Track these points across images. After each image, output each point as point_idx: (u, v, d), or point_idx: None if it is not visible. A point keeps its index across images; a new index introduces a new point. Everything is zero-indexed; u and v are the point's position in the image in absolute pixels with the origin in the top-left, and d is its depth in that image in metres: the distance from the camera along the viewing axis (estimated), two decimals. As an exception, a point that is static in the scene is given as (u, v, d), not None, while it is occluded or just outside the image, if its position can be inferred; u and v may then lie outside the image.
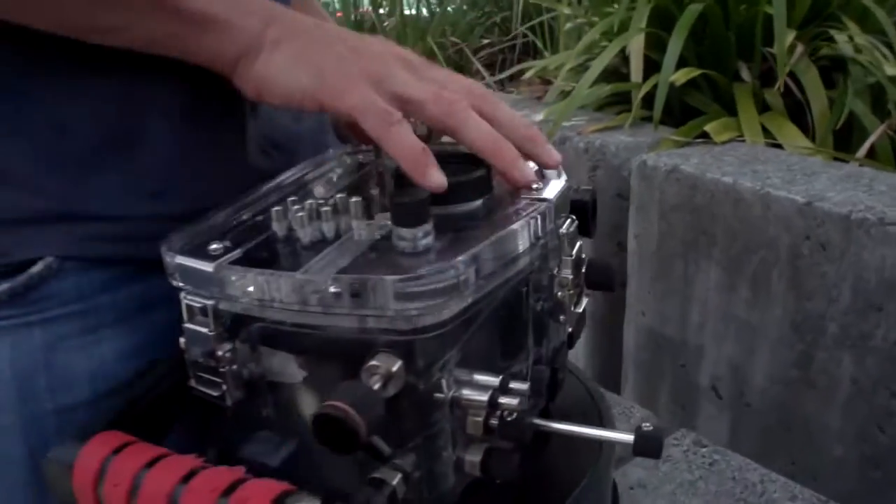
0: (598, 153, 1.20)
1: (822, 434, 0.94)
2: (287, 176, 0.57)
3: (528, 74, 1.72)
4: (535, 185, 0.48)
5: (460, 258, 0.41)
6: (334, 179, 0.57)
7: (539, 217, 0.46)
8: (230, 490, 0.39)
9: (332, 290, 0.41)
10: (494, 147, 0.47)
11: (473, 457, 0.44)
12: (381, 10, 3.01)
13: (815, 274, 0.90)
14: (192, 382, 0.48)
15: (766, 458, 1.01)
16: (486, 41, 2.79)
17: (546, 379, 0.53)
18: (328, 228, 0.47)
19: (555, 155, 0.50)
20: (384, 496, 0.40)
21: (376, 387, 0.39)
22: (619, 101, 1.50)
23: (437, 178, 0.44)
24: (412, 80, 0.47)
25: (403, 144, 0.45)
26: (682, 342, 1.10)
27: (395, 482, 0.41)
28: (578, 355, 1.32)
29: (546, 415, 0.58)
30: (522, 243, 0.45)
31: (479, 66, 2.55)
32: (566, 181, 0.51)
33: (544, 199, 0.47)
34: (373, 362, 0.40)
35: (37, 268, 0.49)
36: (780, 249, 0.93)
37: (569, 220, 0.50)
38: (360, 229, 0.47)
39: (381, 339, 0.41)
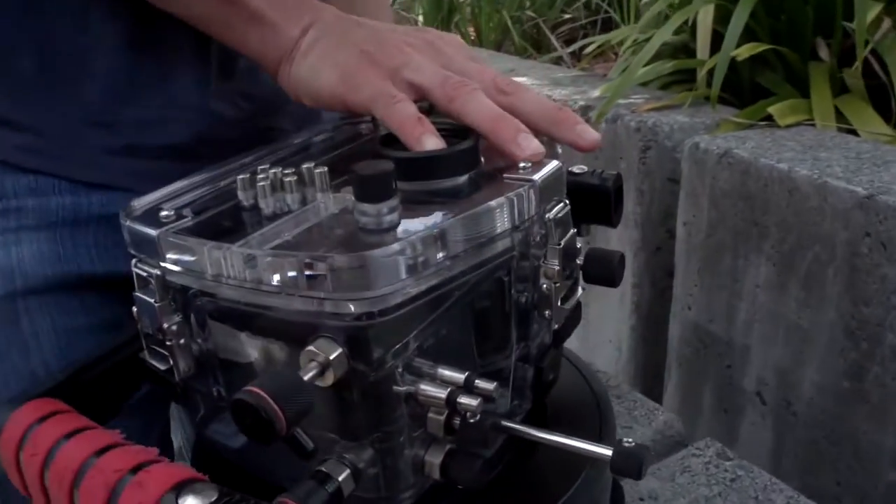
0: (651, 133, 1.11)
1: (873, 454, 0.85)
2: (281, 144, 0.54)
3: (589, 49, 1.63)
4: (522, 165, 0.45)
5: (417, 236, 0.37)
6: (328, 148, 0.54)
7: (519, 197, 0.42)
8: (135, 470, 0.37)
9: (266, 266, 0.38)
10: (493, 123, 0.45)
11: (434, 458, 0.41)
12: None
13: (875, 276, 0.81)
14: (146, 355, 0.46)
15: (811, 475, 0.92)
16: (566, 16, 2.69)
17: (529, 378, 0.48)
18: (292, 200, 0.44)
19: (588, 135, 0.47)
20: (326, 493, 0.36)
21: (310, 375, 0.35)
22: (687, 80, 1.40)
23: (431, 144, 0.44)
24: (426, 65, 0.46)
25: (400, 116, 0.45)
26: (728, 341, 1.01)
27: (341, 478, 0.38)
28: (622, 347, 1.24)
29: (540, 415, 0.53)
30: (500, 224, 0.41)
31: (554, 41, 2.46)
32: (561, 164, 0.46)
33: (528, 180, 0.43)
34: (310, 347, 0.36)
35: None
36: (836, 246, 0.84)
37: (560, 205, 0.46)
38: (325, 202, 0.44)
39: (325, 322, 0.37)
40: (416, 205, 0.41)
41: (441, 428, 0.40)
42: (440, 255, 0.38)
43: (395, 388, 0.39)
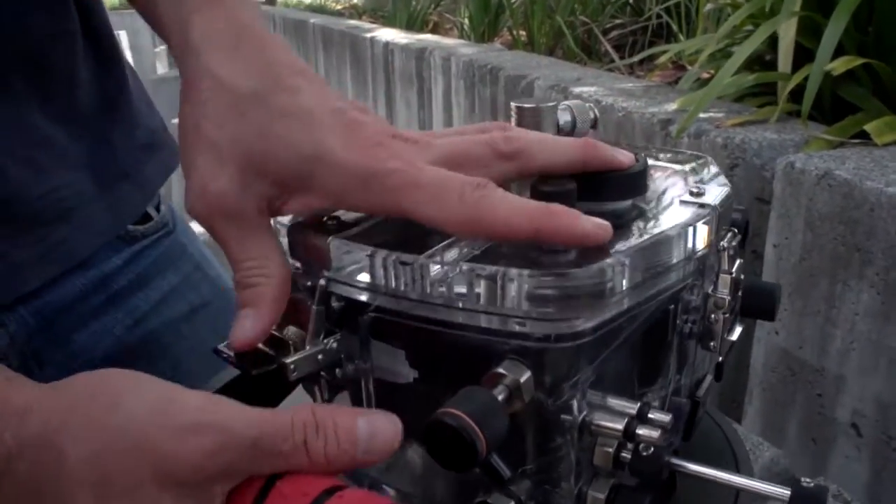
0: (738, 150, 1.07)
1: None
2: None
3: (661, 59, 1.59)
4: (694, 189, 0.42)
5: (609, 260, 0.35)
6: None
7: (699, 225, 0.40)
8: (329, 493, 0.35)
9: (456, 279, 0.36)
10: (535, 223, 0.36)
11: (598, 493, 0.39)
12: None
13: None
14: None
15: (915, 514, 0.88)
16: (617, 21, 2.66)
17: (685, 414, 0.46)
18: None
19: (621, 156, 0.41)
20: None
21: (501, 398, 0.34)
22: (762, 93, 1.36)
23: None
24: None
25: None
26: (819, 369, 0.97)
27: None
28: (698, 370, 1.20)
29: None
30: (677, 253, 0.40)
31: (608, 47, 2.42)
32: (729, 188, 0.44)
33: (706, 205, 0.41)
34: (498, 370, 0.35)
35: None
36: (952, 276, 0.80)
37: (730, 234, 0.44)
38: None
39: (509, 343, 0.35)
40: None
41: (609, 461, 0.38)
42: (626, 281, 0.36)
43: (568, 417, 0.37)
